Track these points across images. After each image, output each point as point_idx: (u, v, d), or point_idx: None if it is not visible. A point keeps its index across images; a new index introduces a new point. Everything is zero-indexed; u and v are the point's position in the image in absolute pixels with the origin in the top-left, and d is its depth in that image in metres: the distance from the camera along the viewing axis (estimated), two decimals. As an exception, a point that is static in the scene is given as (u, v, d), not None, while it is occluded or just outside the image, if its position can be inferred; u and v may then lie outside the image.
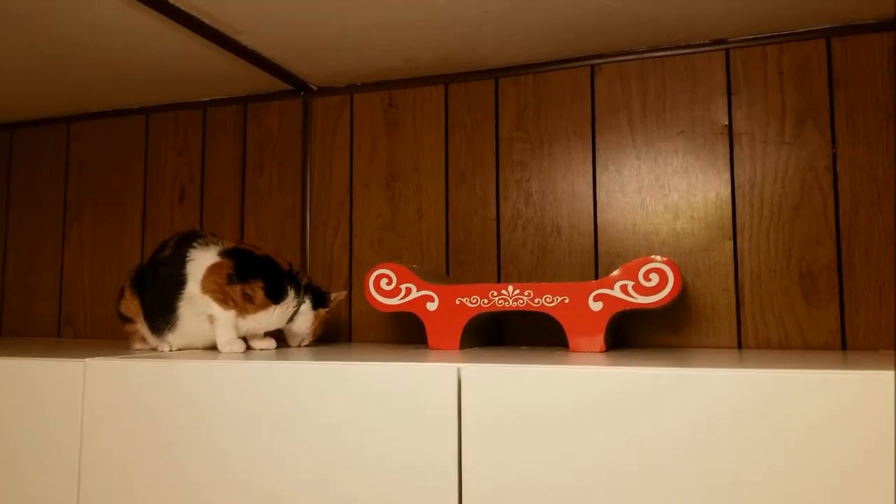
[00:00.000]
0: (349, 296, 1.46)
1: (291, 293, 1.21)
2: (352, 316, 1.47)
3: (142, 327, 1.20)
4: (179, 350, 1.18)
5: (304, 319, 1.23)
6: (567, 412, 0.81)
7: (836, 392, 0.74)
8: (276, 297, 1.18)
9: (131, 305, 1.21)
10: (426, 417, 0.85)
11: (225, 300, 1.14)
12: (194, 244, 1.18)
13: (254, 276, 1.17)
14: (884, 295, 1.17)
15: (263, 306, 1.17)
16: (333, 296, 1.29)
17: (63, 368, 1.01)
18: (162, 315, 1.16)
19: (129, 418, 0.97)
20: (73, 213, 1.71)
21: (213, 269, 1.15)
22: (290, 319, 1.22)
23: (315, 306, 1.24)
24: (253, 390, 0.92)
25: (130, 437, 0.96)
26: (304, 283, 1.24)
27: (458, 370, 0.85)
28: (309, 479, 0.89)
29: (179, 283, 1.15)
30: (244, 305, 1.16)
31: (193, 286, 1.15)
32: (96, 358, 1.01)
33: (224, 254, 1.17)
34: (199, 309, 1.15)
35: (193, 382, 0.95)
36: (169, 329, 1.17)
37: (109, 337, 1.63)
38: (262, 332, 1.21)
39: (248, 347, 1.20)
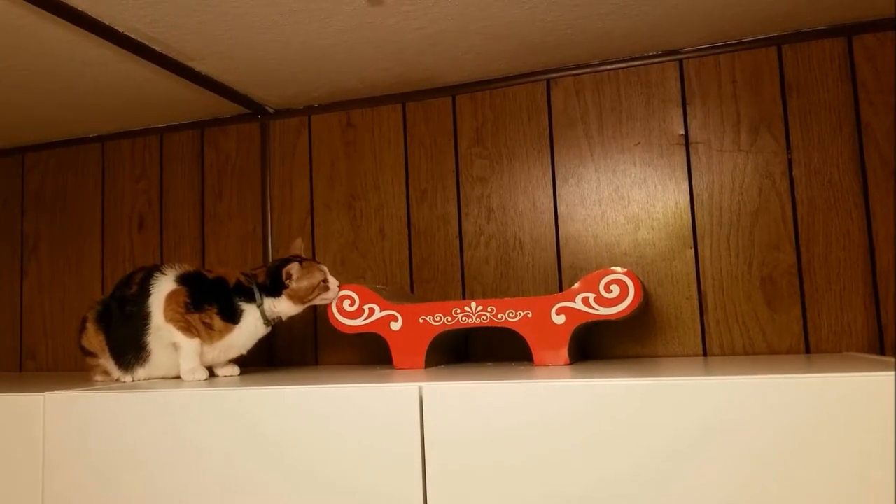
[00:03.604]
0: (314, 318, 1.44)
1: (246, 306, 1.17)
2: (318, 338, 1.45)
3: (107, 362, 1.18)
4: (142, 381, 1.16)
5: (285, 307, 1.19)
6: (530, 427, 0.81)
7: (805, 396, 0.74)
8: (231, 317, 1.16)
9: (95, 340, 1.18)
10: (390, 438, 0.84)
11: (188, 328, 1.13)
12: (155, 275, 1.17)
13: (208, 302, 1.15)
14: (844, 297, 1.18)
15: (226, 330, 1.16)
16: (285, 270, 1.17)
17: (22, 403, 0.99)
18: (132, 352, 1.15)
19: (91, 452, 0.95)
20: (30, 244, 1.68)
21: (171, 297, 1.14)
22: (267, 322, 1.19)
23: (277, 294, 1.18)
24: (217, 418, 0.91)
25: (93, 471, 0.94)
26: (259, 281, 1.18)
27: (420, 389, 0.85)
28: (275, 503, 0.87)
29: (145, 317, 1.14)
30: (208, 333, 1.15)
31: (158, 317, 1.14)
32: (56, 391, 0.99)
33: (180, 280, 1.16)
34: (166, 340, 1.14)
35: (156, 412, 0.93)
36: (140, 364, 1.15)
37: (72, 369, 1.60)
38: (242, 351, 1.19)
39: (213, 375, 1.19)
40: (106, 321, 1.18)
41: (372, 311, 1.18)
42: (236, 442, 0.89)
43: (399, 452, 0.84)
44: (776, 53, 1.24)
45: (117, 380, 1.17)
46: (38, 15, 1.05)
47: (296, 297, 1.18)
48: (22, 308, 1.67)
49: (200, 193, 1.56)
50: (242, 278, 1.19)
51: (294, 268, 1.17)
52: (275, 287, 1.18)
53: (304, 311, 1.21)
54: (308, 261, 1.21)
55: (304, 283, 1.18)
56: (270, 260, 1.48)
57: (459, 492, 0.82)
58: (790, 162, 1.22)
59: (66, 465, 0.96)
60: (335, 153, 1.47)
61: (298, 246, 1.26)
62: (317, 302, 1.20)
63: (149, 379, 1.16)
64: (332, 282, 1.20)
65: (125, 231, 1.61)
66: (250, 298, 1.18)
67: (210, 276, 1.19)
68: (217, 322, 1.15)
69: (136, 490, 0.92)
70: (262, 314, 1.18)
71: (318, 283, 1.19)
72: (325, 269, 1.21)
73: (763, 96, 1.24)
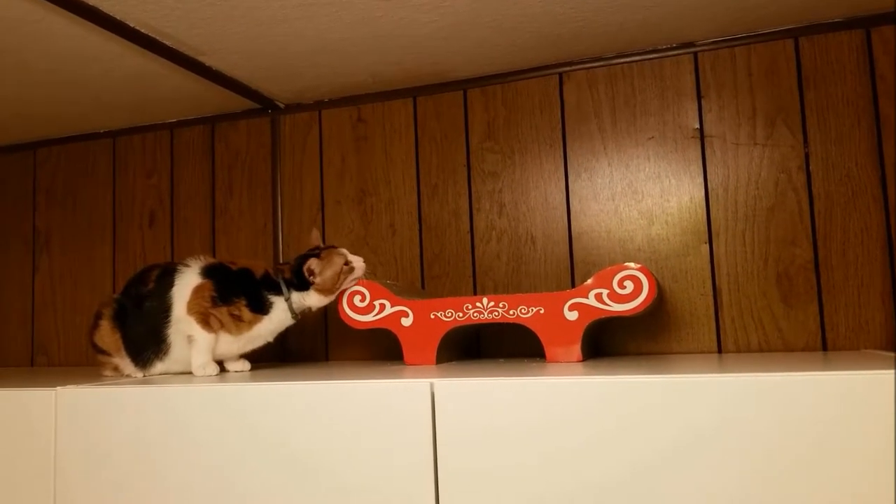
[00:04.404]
0: (324, 314, 1.44)
1: (274, 299, 1.17)
2: (328, 333, 1.45)
3: (121, 360, 1.17)
4: (155, 376, 1.16)
5: (315, 300, 1.18)
6: (542, 424, 0.80)
7: (827, 394, 0.72)
8: (260, 309, 1.16)
9: (109, 339, 1.18)
10: (401, 434, 0.84)
11: (207, 322, 1.13)
12: (177, 269, 1.17)
13: (236, 294, 1.15)
14: (862, 294, 1.16)
15: (255, 320, 1.16)
16: (305, 268, 1.16)
17: (34, 398, 0.99)
18: (152, 346, 1.15)
19: (102, 446, 0.95)
20: (42, 240, 1.68)
21: (197, 291, 1.14)
22: (295, 314, 1.19)
23: (303, 288, 1.18)
24: (228, 413, 0.90)
25: (104, 465, 0.94)
26: (286, 277, 1.18)
27: (432, 385, 0.84)
28: (285, 499, 0.87)
29: (166, 309, 1.14)
30: (237, 325, 1.14)
31: (179, 309, 1.14)
32: (67, 386, 0.99)
33: (205, 273, 1.16)
34: (184, 332, 1.14)
35: (167, 408, 0.93)
36: (158, 358, 1.15)
37: (84, 364, 1.60)
38: (269, 339, 1.19)
39: (223, 370, 1.18)
40: (122, 319, 1.18)
41: (383, 307, 1.18)
42: (245, 437, 0.89)
43: (411, 449, 0.83)
44: (793, 45, 1.23)
45: (128, 375, 1.16)
46: (49, 10, 1.05)
47: (324, 289, 1.18)
48: (34, 303, 1.68)
49: (211, 189, 1.56)
50: (271, 271, 1.19)
51: (313, 263, 1.17)
52: (301, 283, 1.18)
53: (336, 298, 1.20)
54: (325, 249, 1.20)
55: (328, 273, 1.17)
56: (281, 255, 1.48)
57: (472, 489, 0.81)
58: (807, 156, 1.21)
59: (78, 459, 0.96)
60: (345, 148, 1.47)
61: (316, 237, 1.25)
62: (347, 285, 1.20)
63: (164, 374, 1.16)
64: (355, 260, 1.20)
65: (136, 226, 1.61)
66: (278, 292, 1.18)
67: (234, 267, 1.19)
68: (246, 313, 1.15)
69: (147, 484, 0.92)
70: (290, 307, 1.18)
71: (342, 268, 1.18)
72: (344, 250, 1.20)
73: (779, 89, 1.23)
